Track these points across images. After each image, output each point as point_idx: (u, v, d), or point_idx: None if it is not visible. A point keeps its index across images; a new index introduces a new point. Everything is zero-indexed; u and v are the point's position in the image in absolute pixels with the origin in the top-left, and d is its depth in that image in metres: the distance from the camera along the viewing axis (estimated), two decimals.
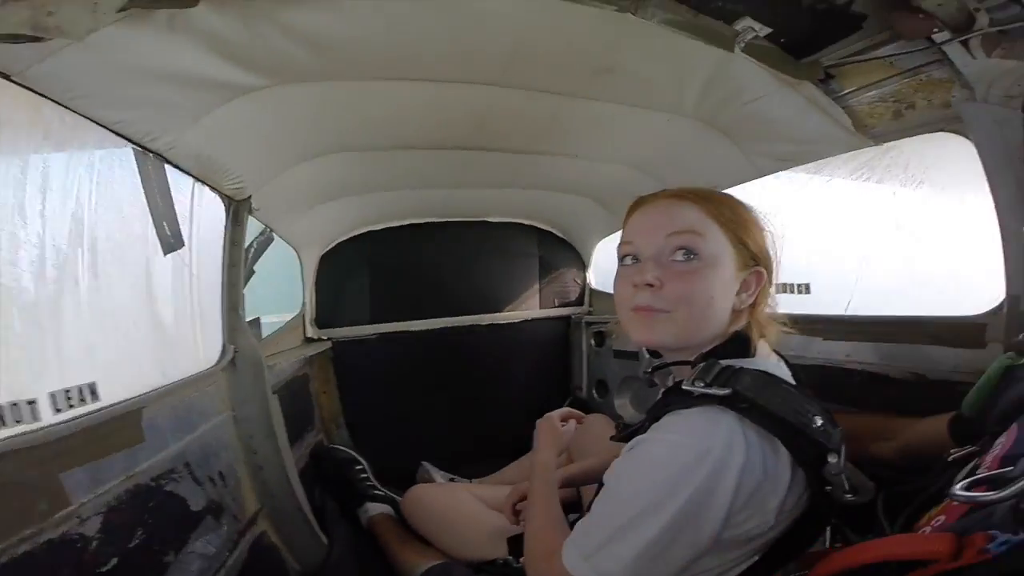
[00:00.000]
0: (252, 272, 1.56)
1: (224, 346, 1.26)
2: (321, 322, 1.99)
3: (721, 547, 0.66)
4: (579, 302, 2.44)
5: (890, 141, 1.22)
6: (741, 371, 0.69)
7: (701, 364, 0.71)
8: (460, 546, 1.31)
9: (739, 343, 0.76)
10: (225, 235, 1.29)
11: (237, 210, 1.30)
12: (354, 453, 1.80)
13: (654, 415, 0.73)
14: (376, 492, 1.67)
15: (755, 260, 0.77)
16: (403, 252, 2.14)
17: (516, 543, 1.07)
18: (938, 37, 0.88)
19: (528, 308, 2.34)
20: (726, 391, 0.66)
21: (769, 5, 0.94)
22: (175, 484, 0.94)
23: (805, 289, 1.66)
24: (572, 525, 1.12)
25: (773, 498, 0.66)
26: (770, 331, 0.81)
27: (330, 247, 2.02)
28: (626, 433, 0.82)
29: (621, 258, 0.82)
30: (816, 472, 0.66)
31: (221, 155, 1.12)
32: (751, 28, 0.97)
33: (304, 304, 1.95)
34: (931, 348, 1.16)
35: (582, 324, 2.39)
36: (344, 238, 2.05)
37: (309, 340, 1.94)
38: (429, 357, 2.16)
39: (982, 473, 0.52)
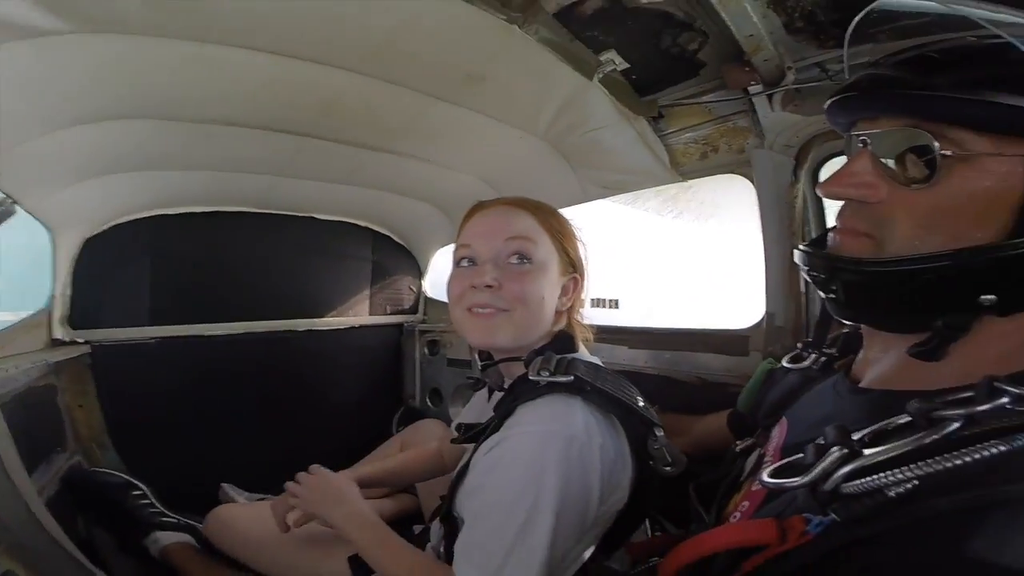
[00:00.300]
0: None
1: None
2: (77, 321, 1.54)
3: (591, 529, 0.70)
4: (413, 310, 2.37)
5: (695, 179, 1.45)
6: (575, 360, 0.76)
7: (539, 357, 0.77)
8: (286, 566, 1.16)
9: (565, 340, 0.85)
10: None
11: None
12: (127, 477, 1.48)
13: (504, 411, 0.75)
14: (166, 520, 1.40)
15: (573, 267, 0.89)
16: (203, 244, 1.79)
17: (361, 562, 0.95)
18: (752, 89, 1.09)
19: (356, 315, 2.17)
20: (569, 378, 0.72)
21: (633, 43, 1.06)
22: None
23: (615, 304, 1.92)
24: (420, 537, 1.06)
25: (624, 474, 0.74)
26: (585, 335, 0.92)
27: (101, 230, 1.58)
28: (472, 434, 0.82)
29: (457, 261, 0.86)
30: (643, 446, 0.75)
31: None
32: (612, 61, 1.09)
33: (53, 298, 1.48)
34: (709, 356, 1.43)
35: (415, 332, 2.32)
36: (122, 220, 1.62)
37: (58, 343, 1.49)
38: (231, 366, 1.84)
39: (768, 462, 0.59)
